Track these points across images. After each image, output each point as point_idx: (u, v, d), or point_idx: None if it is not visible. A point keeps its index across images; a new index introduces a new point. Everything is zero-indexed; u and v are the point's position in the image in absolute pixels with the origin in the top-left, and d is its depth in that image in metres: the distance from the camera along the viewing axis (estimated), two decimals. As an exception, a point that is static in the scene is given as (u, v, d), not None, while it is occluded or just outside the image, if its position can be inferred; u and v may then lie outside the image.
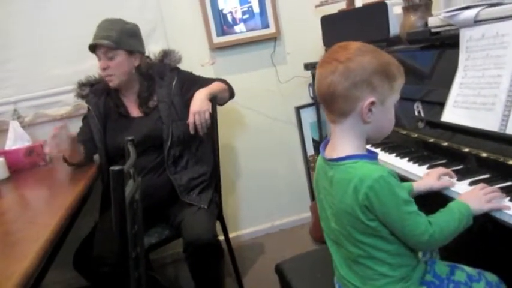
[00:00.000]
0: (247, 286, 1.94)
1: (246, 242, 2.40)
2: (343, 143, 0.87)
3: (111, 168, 0.77)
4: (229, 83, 1.85)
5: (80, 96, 1.76)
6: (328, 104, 0.85)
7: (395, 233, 0.83)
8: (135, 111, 1.70)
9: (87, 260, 1.48)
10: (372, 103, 0.82)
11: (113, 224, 0.77)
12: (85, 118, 1.75)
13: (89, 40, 1.62)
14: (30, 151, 1.82)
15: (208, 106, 1.64)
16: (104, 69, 1.59)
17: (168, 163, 1.62)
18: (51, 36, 1.96)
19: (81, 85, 1.73)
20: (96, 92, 1.71)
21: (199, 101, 1.63)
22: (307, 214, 2.43)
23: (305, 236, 2.34)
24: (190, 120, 1.61)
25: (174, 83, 1.71)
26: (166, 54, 1.78)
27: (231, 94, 1.85)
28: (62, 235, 1.20)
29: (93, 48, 1.59)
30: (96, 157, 1.73)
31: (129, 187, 0.84)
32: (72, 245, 1.53)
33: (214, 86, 1.75)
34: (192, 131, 1.62)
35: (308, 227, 2.37)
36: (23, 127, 1.93)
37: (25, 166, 1.80)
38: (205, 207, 1.60)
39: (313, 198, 2.46)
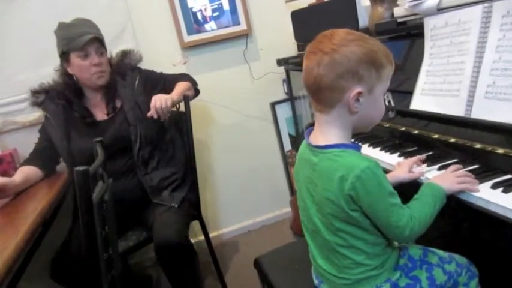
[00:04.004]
0: (230, 283, 1.93)
1: (228, 240, 2.40)
2: (329, 132, 0.86)
3: (76, 169, 0.75)
4: (192, 77, 1.83)
5: (36, 104, 1.65)
6: (315, 95, 0.84)
7: (378, 225, 0.84)
8: (100, 114, 1.65)
9: (65, 268, 1.44)
10: (359, 93, 0.80)
11: (81, 226, 0.75)
12: (42, 129, 1.66)
13: (55, 43, 1.59)
14: (-1, 160, 1.77)
15: (169, 101, 1.59)
16: (96, 65, 1.55)
17: (138, 164, 1.60)
18: (15, 40, 1.90)
19: (35, 92, 1.63)
20: (52, 98, 1.62)
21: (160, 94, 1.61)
22: (288, 209, 2.43)
23: (286, 230, 2.35)
24: (152, 104, 1.56)
25: (136, 83, 1.68)
26: (126, 54, 1.74)
27: (196, 91, 1.83)
28: (33, 243, 1.17)
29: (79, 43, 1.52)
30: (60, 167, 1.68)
31: (98, 188, 0.82)
32: (47, 255, 1.48)
33: (178, 89, 1.71)
34: (154, 115, 1.55)
35: (289, 222, 2.38)
36: (-9, 136, 1.87)
37: (-6, 175, 1.75)
38: (176, 205, 1.57)
39: (292, 193, 2.47)
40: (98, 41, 1.57)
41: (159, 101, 1.56)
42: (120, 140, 1.59)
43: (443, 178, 0.92)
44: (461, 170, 0.94)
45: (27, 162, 1.61)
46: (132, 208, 1.60)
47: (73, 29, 1.54)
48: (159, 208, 1.57)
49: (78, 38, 1.51)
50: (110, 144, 1.55)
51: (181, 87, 1.73)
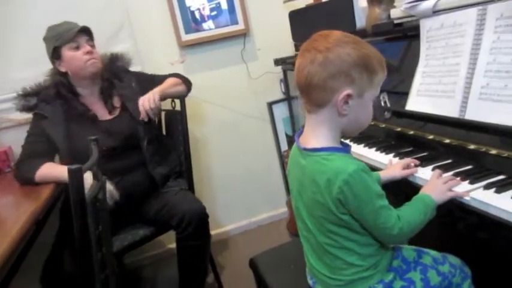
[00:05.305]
0: (226, 283, 1.93)
1: (224, 240, 2.39)
2: (318, 133, 0.86)
3: (69, 167, 0.75)
4: (184, 75, 1.87)
5: (27, 108, 1.60)
6: (305, 93, 0.84)
7: (366, 227, 0.84)
8: (100, 114, 1.66)
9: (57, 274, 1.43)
10: (349, 95, 0.80)
11: (74, 225, 0.75)
12: (37, 130, 1.59)
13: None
14: (-6, 157, 1.76)
15: (157, 95, 1.66)
16: (88, 52, 1.59)
17: (148, 159, 1.65)
18: (11, 38, 1.89)
19: (25, 96, 1.59)
20: (47, 99, 1.59)
21: (147, 94, 1.67)
22: (284, 209, 2.44)
23: (282, 230, 2.34)
24: (140, 109, 1.63)
25: (133, 84, 1.73)
26: (117, 57, 1.77)
27: (188, 87, 1.86)
28: (26, 244, 1.16)
29: (67, 36, 1.57)
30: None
31: (92, 186, 0.82)
32: (39, 255, 1.47)
33: (166, 84, 1.76)
34: (144, 117, 1.63)
35: (285, 221, 2.38)
36: (-14, 133, 1.86)
37: (-11, 173, 1.74)
38: (186, 188, 1.67)
39: (289, 192, 2.47)
40: (87, 34, 1.61)
41: (147, 101, 1.63)
42: (131, 138, 1.64)
43: (432, 188, 0.92)
44: (448, 177, 0.93)
45: (40, 160, 1.53)
46: (139, 202, 1.65)
47: (61, 26, 1.59)
48: (166, 195, 1.64)
49: (68, 31, 1.56)
50: (122, 142, 1.62)
51: (168, 82, 1.78)
